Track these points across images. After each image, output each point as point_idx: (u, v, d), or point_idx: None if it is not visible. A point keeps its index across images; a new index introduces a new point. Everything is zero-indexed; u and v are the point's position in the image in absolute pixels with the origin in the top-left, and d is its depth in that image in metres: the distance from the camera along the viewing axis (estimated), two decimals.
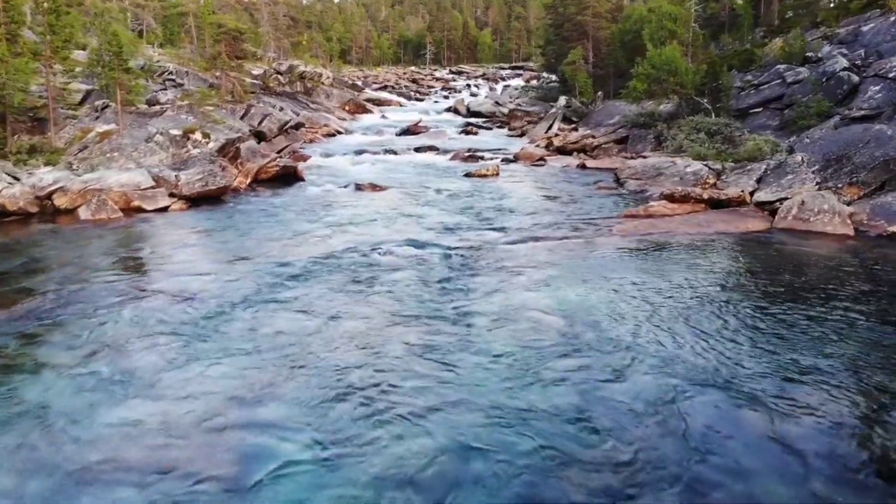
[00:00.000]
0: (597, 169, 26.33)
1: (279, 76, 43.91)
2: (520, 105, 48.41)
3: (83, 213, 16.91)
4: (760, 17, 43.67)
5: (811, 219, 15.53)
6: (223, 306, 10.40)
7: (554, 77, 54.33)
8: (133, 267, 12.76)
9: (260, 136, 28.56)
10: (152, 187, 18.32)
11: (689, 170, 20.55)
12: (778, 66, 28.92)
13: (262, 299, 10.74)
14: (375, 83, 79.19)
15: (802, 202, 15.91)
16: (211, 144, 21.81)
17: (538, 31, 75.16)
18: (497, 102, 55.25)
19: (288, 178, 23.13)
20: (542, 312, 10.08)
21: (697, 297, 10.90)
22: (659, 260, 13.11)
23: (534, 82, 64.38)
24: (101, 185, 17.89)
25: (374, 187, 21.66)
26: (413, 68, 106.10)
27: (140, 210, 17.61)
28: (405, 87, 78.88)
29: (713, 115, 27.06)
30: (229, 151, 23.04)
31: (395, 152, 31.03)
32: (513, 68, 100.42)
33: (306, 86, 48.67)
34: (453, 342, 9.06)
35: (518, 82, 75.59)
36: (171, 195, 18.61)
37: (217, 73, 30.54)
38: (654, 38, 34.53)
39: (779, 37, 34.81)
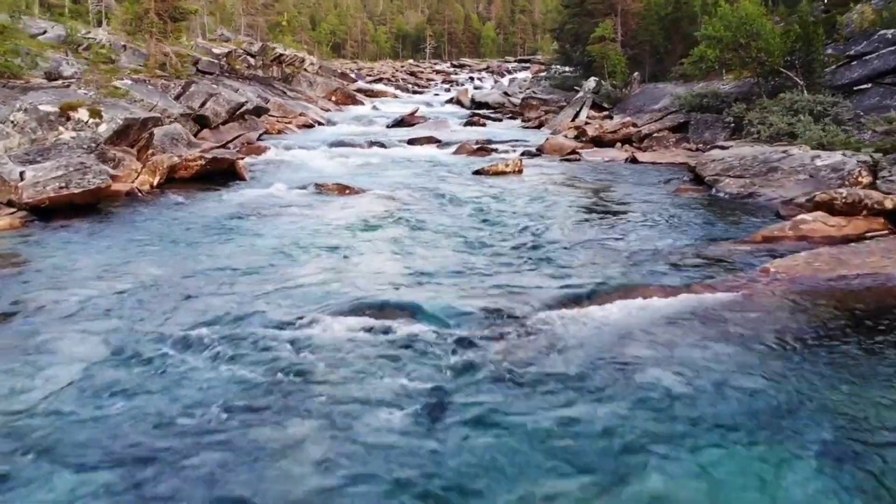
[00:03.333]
0: (653, 164, 19.33)
1: (249, 58, 36.88)
2: (534, 93, 41.35)
3: None
4: None
5: None
6: None
7: (568, 69, 47.37)
8: None
9: (202, 122, 21.57)
10: None
11: (820, 163, 13.48)
12: (884, 32, 22.06)
13: None
14: (370, 75, 72.29)
15: None
16: (102, 127, 14.78)
17: (550, 13, 68.44)
18: (506, 93, 48.29)
19: (222, 175, 16.07)
20: None
21: None
22: None
23: (543, 75, 57.31)
24: None
25: (344, 190, 14.63)
26: (411, 61, 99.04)
27: None
28: (402, 79, 71.93)
29: (804, 92, 20.06)
30: (136, 138, 16.02)
31: (382, 145, 24.03)
32: (519, 61, 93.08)
33: (284, 71, 41.67)
34: None
35: (525, 75, 68.43)
36: (10, 203, 11.61)
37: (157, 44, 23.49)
38: (709, 3, 27.60)
39: (860, 3, 28.12)
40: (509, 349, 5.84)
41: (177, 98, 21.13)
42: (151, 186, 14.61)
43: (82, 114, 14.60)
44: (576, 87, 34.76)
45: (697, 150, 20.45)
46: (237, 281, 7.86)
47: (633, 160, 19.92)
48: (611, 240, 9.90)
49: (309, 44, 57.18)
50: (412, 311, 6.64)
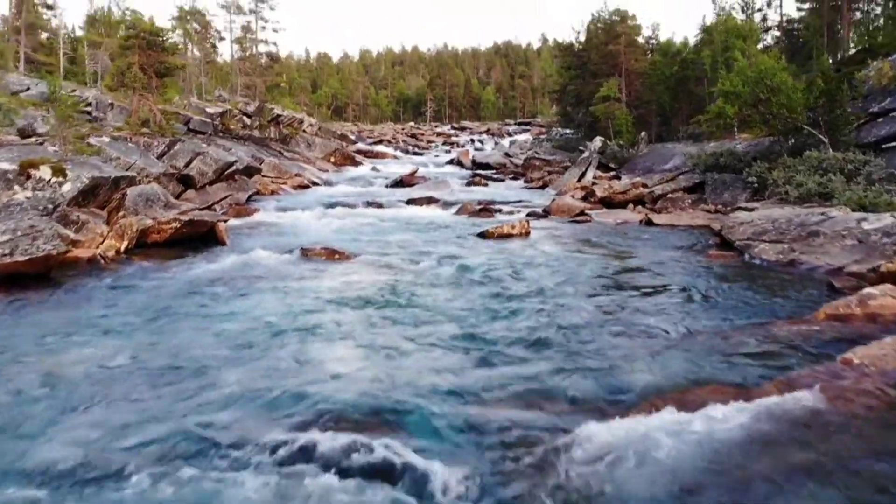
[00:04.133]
0: (671, 226, 17.87)
1: (245, 118, 36.04)
2: (537, 154, 40.41)
3: None
4: (825, 47, 36.34)
5: None
6: None
7: (569, 130, 46.87)
8: None
9: (187, 183, 20.26)
10: None
11: (869, 227, 11.98)
12: None
13: None
14: (370, 137, 71.91)
15: None
16: (66, 186, 13.37)
17: (550, 77, 68.68)
18: (507, 154, 47.49)
19: (200, 240, 14.62)
20: None
21: None
22: None
23: (544, 137, 56.80)
24: None
25: (333, 255, 13.11)
26: (412, 124, 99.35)
27: None
28: (403, 141, 71.51)
29: (830, 150, 18.80)
30: (107, 199, 14.60)
31: (380, 205, 22.73)
32: (519, 124, 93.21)
33: (282, 132, 40.85)
34: None
35: (526, 137, 68.04)
36: None
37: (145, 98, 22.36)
38: (718, 61, 26.74)
39: (877, 60, 27.34)
40: (533, 496, 4.13)
41: (160, 157, 19.87)
42: (118, 252, 13.10)
43: (44, 172, 13.21)
44: (581, 148, 33.76)
45: (717, 211, 19.08)
46: (175, 381, 6.18)
47: (649, 222, 18.49)
48: (644, 320, 8.26)
49: (308, 105, 56.78)
50: (398, 428, 4.98)
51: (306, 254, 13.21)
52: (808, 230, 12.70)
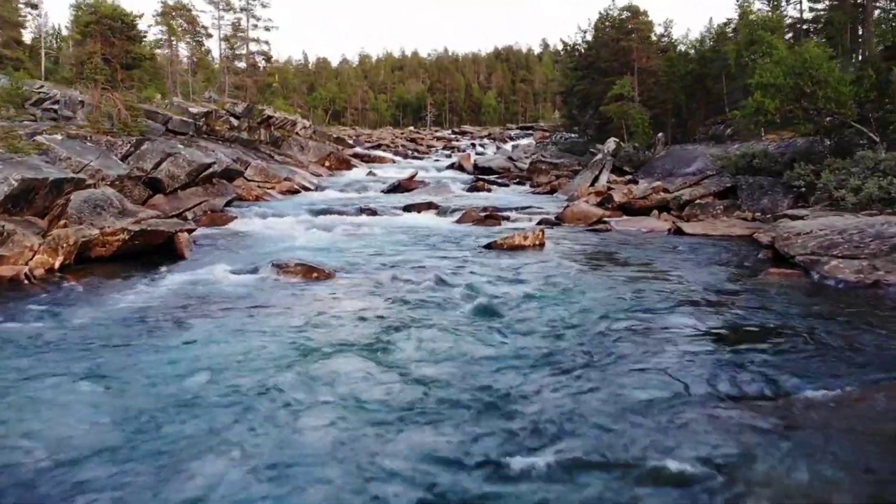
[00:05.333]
0: (705, 236, 15.62)
1: (233, 119, 33.78)
2: (543, 157, 38.11)
3: None
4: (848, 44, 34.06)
5: None
6: None
7: (575, 134, 44.67)
8: None
9: (155, 187, 17.98)
10: None
11: None
12: None
13: None
14: (368, 142, 69.72)
15: None
16: None
17: (552, 82, 66.69)
18: (510, 158, 45.27)
19: (156, 253, 12.36)
20: None
21: None
22: None
23: (548, 141, 54.60)
24: None
25: (310, 273, 10.82)
26: (412, 128, 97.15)
27: None
28: (402, 145, 69.28)
29: (883, 150, 16.54)
30: (48, 205, 12.29)
31: (374, 212, 20.47)
32: (521, 128, 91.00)
33: (273, 134, 38.62)
34: None
35: (528, 142, 65.82)
36: None
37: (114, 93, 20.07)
38: (745, 56, 24.48)
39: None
40: None
41: (124, 158, 17.58)
42: (51, 270, 10.81)
43: None
44: (592, 150, 31.50)
45: (755, 219, 16.83)
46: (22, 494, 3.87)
47: (678, 231, 16.25)
48: (724, 377, 5.91)
49: (303, 108, 54.56)
50: None
51: (278, 271, 10.91)
52: (890, 243, 10.40)
